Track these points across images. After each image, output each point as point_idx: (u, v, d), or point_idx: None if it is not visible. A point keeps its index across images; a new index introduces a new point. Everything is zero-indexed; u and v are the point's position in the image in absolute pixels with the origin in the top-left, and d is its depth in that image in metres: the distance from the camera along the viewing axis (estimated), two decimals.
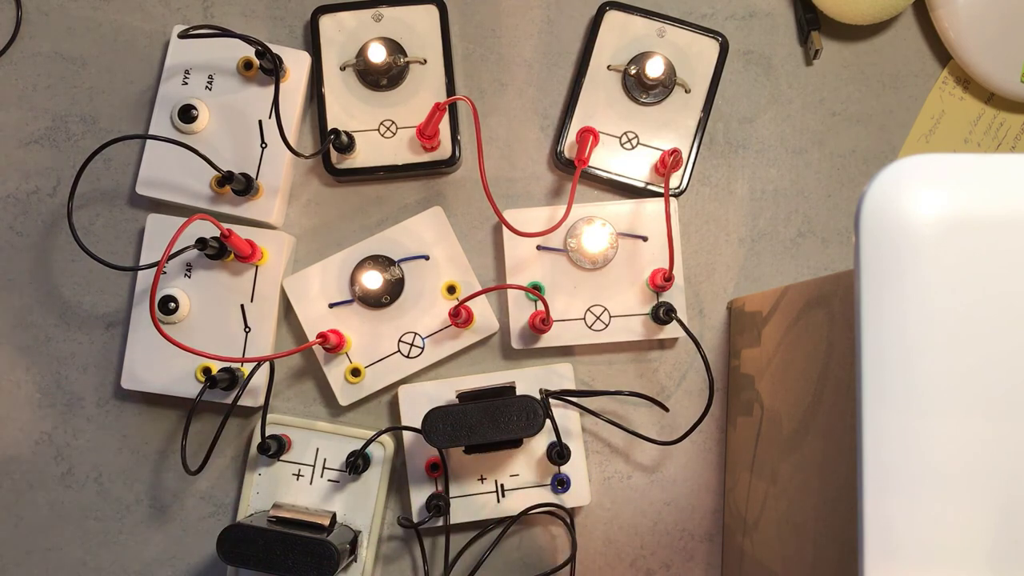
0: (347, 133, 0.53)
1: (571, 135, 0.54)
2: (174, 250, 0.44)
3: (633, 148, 0.54)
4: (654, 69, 0.53)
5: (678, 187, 0.54)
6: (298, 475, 0.52)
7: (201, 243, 0.50)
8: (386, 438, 0.53)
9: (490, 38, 0.56)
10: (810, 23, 0.56)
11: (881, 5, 0.53)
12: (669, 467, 0.55)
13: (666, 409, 0.53)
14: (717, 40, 0.54)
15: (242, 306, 0.53)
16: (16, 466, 0.55)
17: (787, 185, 0.56)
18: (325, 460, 0.52)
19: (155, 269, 0.49)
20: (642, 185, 0.54)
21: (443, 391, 0.53)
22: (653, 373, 0.55)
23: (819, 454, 0.38)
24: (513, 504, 0.52)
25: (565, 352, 0.55)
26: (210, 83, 0.53)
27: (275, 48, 0.52)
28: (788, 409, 0.43)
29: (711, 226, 0.56)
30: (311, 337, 0.52)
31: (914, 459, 0.28)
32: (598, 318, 0.53)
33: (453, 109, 0.54)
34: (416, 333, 0.53)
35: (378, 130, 0.54)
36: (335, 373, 0.53)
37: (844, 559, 0.34)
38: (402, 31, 0.54)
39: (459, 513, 0.52)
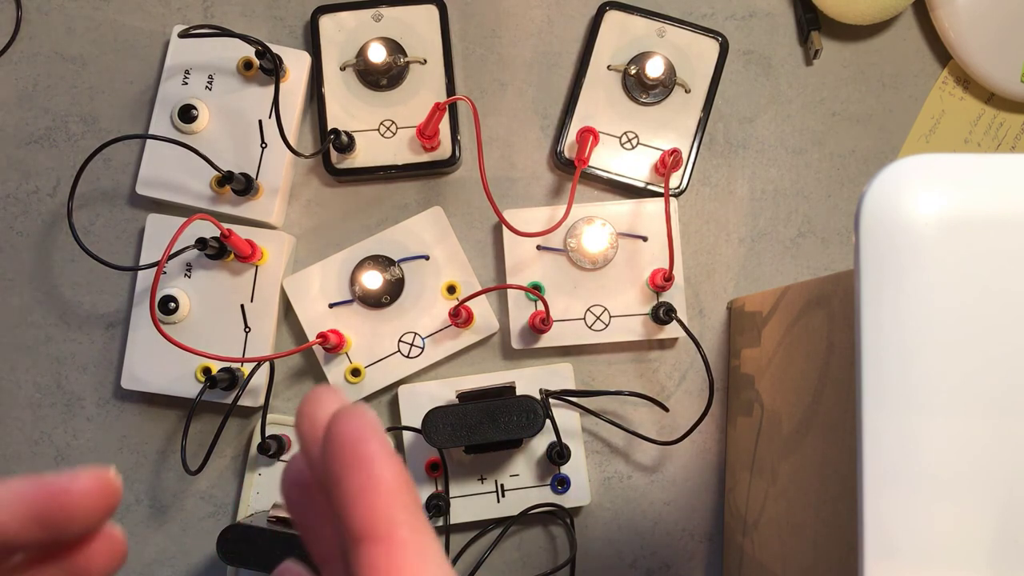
0: (347, 133, 0.53)
1: (571, 135, 0.54)
2: (174, 250, 0.44)
3: (633, 148, 0.54)
4: (654, 69, 0.53)
5: (678, 187, 0.54)
6: None
7: (201, 243, 0.50)
8: None
9: (490, 38, 0.56)
10: (810, 23, 0.56)
11: (881, 5, 0.53)
12: (669, 467, 0.55)
13: (666, 409, 0.53)
14: (717, 40, 0.54)
15: (242, 306, 0.53)
16: (16, 466, 0.55)
17: (787, 185, 0.56)
18: None
19: (155, 269, 0.49)
20: (642, 185, 0.54)
21: (443, 391, 0.53)
22: (653, 373, 0.55)
23: (819, 454, 0.38)
24: (513, 504, 0.52)
25: (565, 352, 0.55)
26: (210, 83, 0.53)
27: (275, 48, 0.52)
28: (788, 409, 0.43)
29: (711, 226, 0.56)
30: (311, 337, 0.52)
31: (914, 459, 0.28)
32: (598, 318, 0.53)
33: (453, 109, 0.54)
34: (416, 333, 0.53)
35: (378, 130, 0.54)
36: (335, 373, 0.53)
37: (844, 559, 0.34)
38: (402, 31, 0.54)
39: (459, 513, 0.52)
